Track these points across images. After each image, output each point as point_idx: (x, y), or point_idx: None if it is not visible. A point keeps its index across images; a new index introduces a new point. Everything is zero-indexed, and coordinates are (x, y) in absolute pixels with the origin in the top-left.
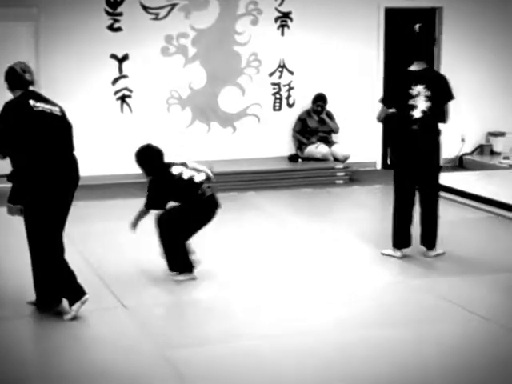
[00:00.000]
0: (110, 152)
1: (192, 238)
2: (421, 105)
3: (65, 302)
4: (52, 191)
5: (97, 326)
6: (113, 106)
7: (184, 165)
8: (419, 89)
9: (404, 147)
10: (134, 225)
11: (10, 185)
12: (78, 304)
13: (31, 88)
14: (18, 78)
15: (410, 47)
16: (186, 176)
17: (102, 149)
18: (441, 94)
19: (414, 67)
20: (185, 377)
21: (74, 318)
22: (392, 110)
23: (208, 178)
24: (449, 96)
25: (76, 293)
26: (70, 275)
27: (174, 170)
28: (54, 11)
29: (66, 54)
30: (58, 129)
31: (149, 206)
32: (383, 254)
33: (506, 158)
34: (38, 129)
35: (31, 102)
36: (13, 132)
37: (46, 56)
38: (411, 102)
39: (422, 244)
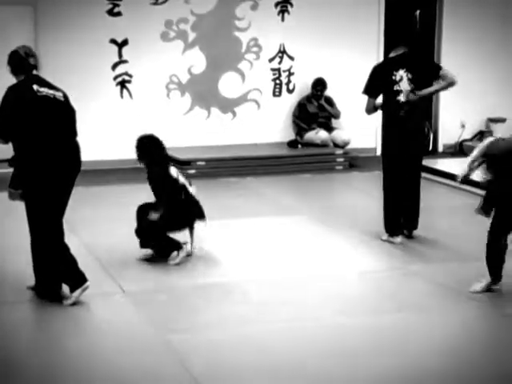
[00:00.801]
0: (110, 137)
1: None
2: (405, 88)
3: (65, 287)
4: (53, 177)
5: (96, 311)
6: (112, 91)
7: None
8: (401, 73)
9: (392, 133)
10: None
11: (9, 170)
12: (78, 291)
13: (35, 72)
14: (22, 62)
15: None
16: (180, 181)
17: (101, 134)
18: (424, 72)
19: (393, 53)
20: (185, 361)
21: (74, 304)
22: (379, 101)
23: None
24: (434, 69)
25: (77, 279)
26: (72, 261)
27: (173, 171)
28: None
29: (65, 39)
30: (61, 114)
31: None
32: (383, 240)
33: None
34: (40, 114)
35: (35, 86)
36: (16, 116)
37: (44, 41)
38: (396, 87)
39: (405, 227)
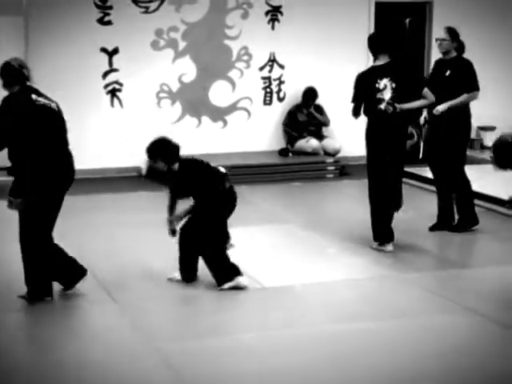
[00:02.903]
0: (100, 146)
1: None
2: (388, 97)
3: (55, 294)
4: (51, 185)
5: (87, 320)
6: (103, 99)
7: None
8: (385, 82)
9: (374, 140)
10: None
11: (7, 178)
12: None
13: (28, 83)
14: (17, 74)
15: (370, 45)
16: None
17: (92, 143)
18: (408, 83)
19: (378, 62)
20: (176, 369)
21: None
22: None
23: None
24: (418, 82)
25: (72, 276)
26: (66, 259)
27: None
28: (43, 4)
29: (55, 48)
30: (57, 123)
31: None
32: (373, 249)
33: None
34: (39, 123)
35: (33, 96)
36: (15, 126)
37: (35, 50)
38: (378, 95)
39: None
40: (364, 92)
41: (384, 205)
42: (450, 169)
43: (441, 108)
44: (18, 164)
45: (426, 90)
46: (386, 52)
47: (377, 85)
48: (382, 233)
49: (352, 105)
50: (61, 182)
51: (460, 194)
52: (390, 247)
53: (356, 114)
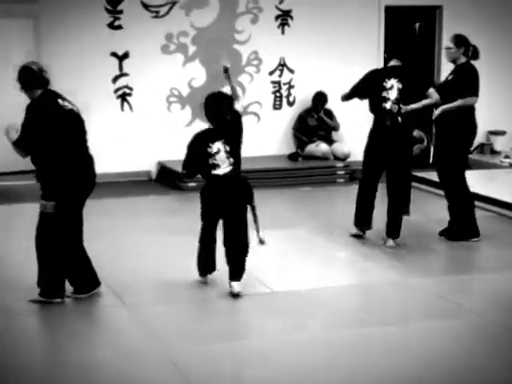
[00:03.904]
0: (111, 150)
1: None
2: (392, 97)
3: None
4: (74, 189)
5: (97, 324)
6: (113, 104)
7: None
8: (392, 82)
9: (376, 138)
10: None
11: (11, 183)
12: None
13: (49, 87)
14: (37, 78)
15: (385, 48)
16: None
17: (102, 147)
18: (415, 85)
19: (390, 63)
20: (185, 373)
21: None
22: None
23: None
24: (425, 83)
25: (86, 284)
26: (88, 267)
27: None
28: (54, 8)
29: (66, 52)
30: (81, 127)
31: None
32: (351, 235)
33: (506, 157)
34: (67, 128)
35: (59, 101)
36: (44, 132)
37: (45, 53)
38: (384, 93)
39: (387, 233)
40: (371, 88)
41: (368, 199)
42: (449, 174)
43: (436, 112)
44: (42, 168)
45: (431, 90)
46: (397, 56)
47: (384, 83)
48: (361, 220)
49: (348, 90)
50: (83, 186)
51: (453, 200)
52: (365, 235)
53: (345, 98)
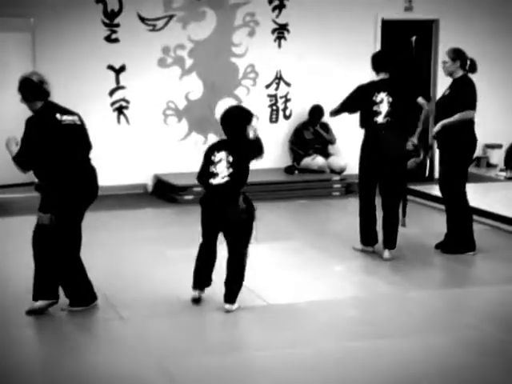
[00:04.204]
0: (107, 163)
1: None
2: (383, 110)
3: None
4: (74, 201)
5: (93, 336)
6: (110, 117)
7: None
8: (382, 96)
9: (368, 152)
10: None
11: (11, 195)
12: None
13: (49, 100)
14: (38, 89)
15: (373, 62)
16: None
17: (98, 160)
18: (404, 98)
19: (377, 77)
20: None
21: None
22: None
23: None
24: (413, 95)
25: (83, 298)
26: (85, 281)
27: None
28: (50, 22)
29: (62, 65)
30: (81, 139)
31: None
32: (355, 249)
33: (502, 170)
34: (67, 142)
35: (58, 115)
36: (43, 147)
37: (42, 67)
38: (375, 108)
39: (384, 245)
40: (361, 103)
41: (370, 213)
42: (449, 187)
43: (435, 128)
44: (43, 181)
45: (420, 99)
46: (386, 70)
47: (374, 98)
48: (365, 235)
49: (337, 106)
50: (83, 198)
51: (452, 213)
52: (371, 248)
53: (334, 113)
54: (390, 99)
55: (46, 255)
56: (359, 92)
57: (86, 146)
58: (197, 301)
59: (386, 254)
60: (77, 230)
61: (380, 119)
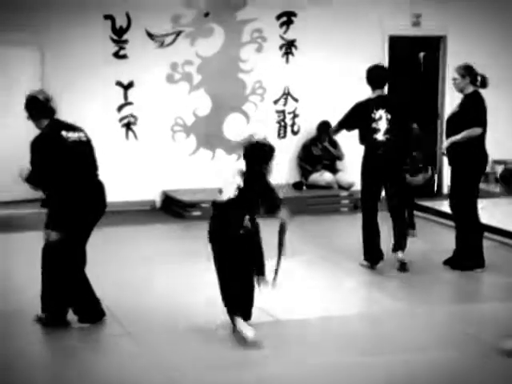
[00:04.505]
0: (115, 179)
1: None
2: (383, 127)
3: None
4: (82, 217)
5: (101, 353)
6: (118, 132)
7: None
8: (381, 113)
9: (369, 168)
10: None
11: (9, 211)
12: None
13: (55, 117)
14: (43, 107)
15: (369, 78)
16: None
17: (106, 176)
18: (401, 115)
19: (373, 94)
20: None
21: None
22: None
23: None
24: (408, 113)
25: (90, 314)
26: (92, 297)
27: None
28: (59, 37)
29: (71, 81)
30: (88, 155)
31: None
32: (361, 265)
33: None
34: (73, 160)
35: (63, 133)
36: (50, 165)
37: (50, 82)
38: (374, 125)
39: (395, 247)
40: (359, 120)
41: (372, 230)
42: (461, 203)
43: (444, 144)
44: (53, 197)
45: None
46: (380, 87)
47: (373, 115)
48: (373, 253)
49: (336, 124)
50: (91, 214)
51: (463, 229)
52: (364, 262)
53: (335, 132)
54: (389, 116)
55: (54, 272)
56: (357, 109)
57: (93, 162)
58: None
59: (400, 255)
60: (83, 246)
61: (379, 136)
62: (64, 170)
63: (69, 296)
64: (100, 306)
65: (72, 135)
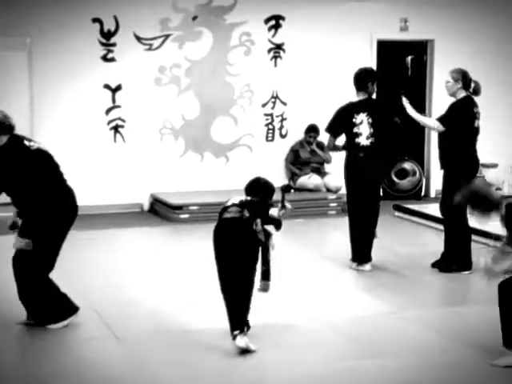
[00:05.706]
0: (103, 182)
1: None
2: (365, 131)
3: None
4: (55, 223)
5: (88, 357)
6: (106, 135)
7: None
8: (362, 117)
9: (352, 172)
10: None
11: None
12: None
13: (14, 133)
14: (4, 125)
15: (354, 81)
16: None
17: (94, 178)
18: (382, 118)
19: (356, 98)
20: None
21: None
22: (339, 142)
23: None
24: (389, 120)
25: (65, 311)
26: (59, 294)
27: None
28: (47, 41)
29: (59, 84)
30: (52, 163)
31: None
32: (352, 269)
33: (498, 189)
34: (40, 165)
35: (25, 142)
36: (16, 174)
37: (38, 86)
38: (355, 129)
39: (360, 259)
40: (342, 125)
41: (362, 230)
42: (450, 206)
43: (408, 106)
44: (23, 208)
45: (396, 119)
46: (363, 89)
47: (354, 119)
48: (360, 254)
49: (327, 140)
50: (64, 219)
51: (451, 232)
52: (367, 266)
53: (329, 147)
54: (371, 120)
55: (25, 277)
56: (339, 115)
57: (58, 168)
58: None
59: (368, 267)
60: (56, 253)
61: (362, 141)
62: (30, 177)
63: (37, 298)
64: (70, 300)
65: (34, 144)
